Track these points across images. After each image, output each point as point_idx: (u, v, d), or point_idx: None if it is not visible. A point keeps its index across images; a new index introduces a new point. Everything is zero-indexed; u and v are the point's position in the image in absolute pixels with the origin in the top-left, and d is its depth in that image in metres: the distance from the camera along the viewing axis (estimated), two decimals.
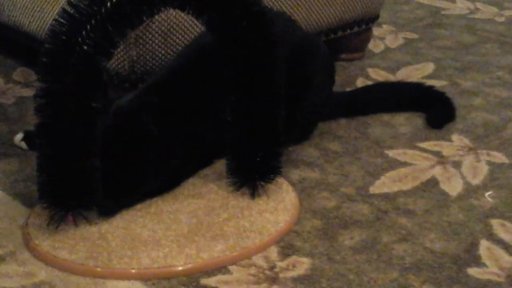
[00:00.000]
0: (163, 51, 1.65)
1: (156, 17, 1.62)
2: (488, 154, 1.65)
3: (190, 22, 1.66)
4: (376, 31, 2.35)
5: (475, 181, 1.55)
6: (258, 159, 1.43)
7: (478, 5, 2.75)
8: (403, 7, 2.72)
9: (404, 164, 1.61)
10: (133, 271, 1.24)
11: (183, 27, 1.66)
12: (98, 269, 1.24)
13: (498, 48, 2.31)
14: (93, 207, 1.34)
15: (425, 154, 1.65)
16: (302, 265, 1.28)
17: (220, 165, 1.53)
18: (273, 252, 1.32)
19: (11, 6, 1.91)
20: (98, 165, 1.31)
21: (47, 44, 1.26)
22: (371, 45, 2.27)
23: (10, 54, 2.18)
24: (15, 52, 2.18)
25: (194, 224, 1.35)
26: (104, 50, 1.27)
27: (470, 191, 1.51)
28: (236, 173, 1.45)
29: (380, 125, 1.79)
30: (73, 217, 1.33)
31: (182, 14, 1.64)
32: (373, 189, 1.52)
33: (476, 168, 1.60)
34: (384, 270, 1.27)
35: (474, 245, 1.34)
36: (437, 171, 1.58)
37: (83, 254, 1.27)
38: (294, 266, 1.28)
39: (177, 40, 1.66)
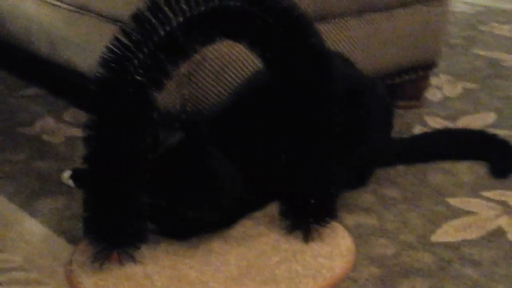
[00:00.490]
0: (215, 90, 1.60)
1: (209, 54, 1.58)
2: None
3: (244, 60, 1.62)
4: (433, 80, 2.27)
5: None
6: (312, 201, 1.36)
7: None
8: (461, 58, 2.65)
9: (468, 213, 1.51)
10: None
11: (236, 65, 1.62)
12: None
13: None
14: (139, 245, 1.28)
15: (490, 204, 1.55)
16: None
17: (272, 208, 1.46)
18: None
19: (64, 44, 1.90)
20: (145, 202, 1.26)
21: (98, 72, 1.22)
22: (428, 94, 2.20)
23: (62, 95, 2.17)
24: (67, 92, 2.17)
25: (244, 267, 1.28)
26: (156, 80, 1.23)
27: None
28: (289, 215, 1.38)
29: (441, 172, 1.70)
30: (118, 255, 1.27)
31: (236, 52, 1.60)
32: (434, 238, 1.42)
33: None
34: None
35: None
36: (503, 221, 1.48)
37: None
38: None
39: (230, 79, 1.61)
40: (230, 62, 1.61)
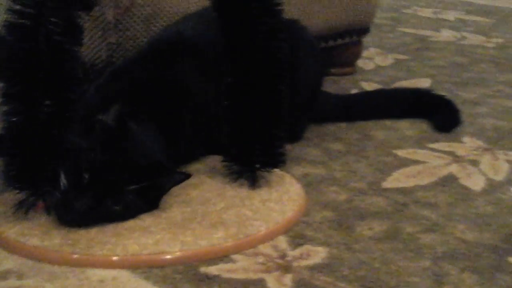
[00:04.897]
0: (145, 38, 1.48)
1: (139, 0, 1.46)
2: (505, 154, 1.50)
3: (175, 7, 1.50)
4: (364, 53, 2.21)
5: (498, 178, 1.39)
6: (259, 145, 1.25)
7: (465, 34, 2.66)
8: (389, 35, 2.62)
9: (417, 162, 1.44)
10: (118, 258, 1.03)
11: (167, 12, 1.50)
12: (75, 256, 1.03)
13: (493, 67, 2.20)
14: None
15: (437, 154, 1.49)
16: (317, 254, 1.09)
17: (212, 160, 1.35)
18: (282, 241, 1.12)
19: None
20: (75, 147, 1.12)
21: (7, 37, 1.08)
22: (360, 63, 2.14)
23: None
24: None
25: (188, 213, 1.16)
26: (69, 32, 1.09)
27: (495, 186, 1.35)
28: (234, 161, 1.27)
29: (383, 129, 1.63)
30: (44, 204, 1.12)
31: None
32: (386, 184, 1.34)
33: (496, 166, 1.44)
34: (414, 259, 1.08)
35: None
36: (454, 169, 1.42)
37: (57, 241, 1.06)
38: (308, 255, 1.09)
39: (160, 26, 1.49)
40: (160, 8, 1.49)
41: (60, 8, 1.10)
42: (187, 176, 1.17)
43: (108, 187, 1.08)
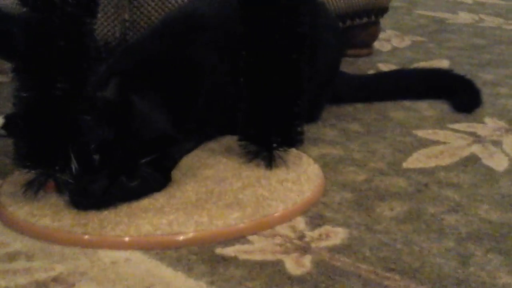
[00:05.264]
0: (160, 15, 1.44)
1: None
2: None
3: None
4: (381, 35, 2.17)
5: None
6: (276, 124, 1.21)
7: (482, 16, 2.61)
8: (405, 17, 2.56)
9: (437, 142, 1.40)
10: (131, 238, 1.00)
11: None
12: (87, 236, 1.00)
13: None
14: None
15: (458, 134, 1.45)
16: (337, 234, 1.05)
17: (227, 140, 1.31)
18: (300, 222, 1.09)
19: None
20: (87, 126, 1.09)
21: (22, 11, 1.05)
22: (377, 45, 2.10)
23: None
24: None
25: (203, 193, 1.12)
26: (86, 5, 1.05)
27: None
28: (250, 141, 1.23)
29: (402, 109, 1.58)
30: (55, 183, 1.09)
31: None
32: (406, 165, 1.30)
33: None
34: (437, 239, 1.04)
35: None
36: (476, 149, 1.38)
37: (68, 221, 1.02)
38: (327, 236, 1.05)
39: (175, 3, 1.45)
40: None
41: None
42: (197, 143, 1.13)
43: (120, 164, 1.04)
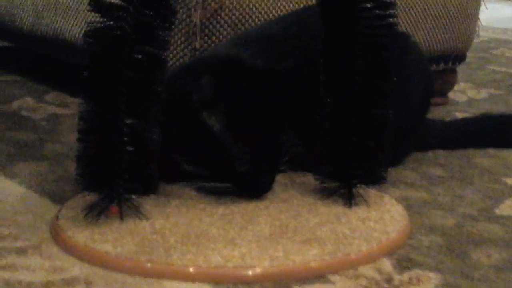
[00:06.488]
0: None
1: (227, 2, 1.35)
2: None
3: (264, 13, 1.39)
4: (455, 87, 2.06)
5: None
6: (358, 160, 1.11)
7: None
8: (479, 72, 2.45)
9: None
10: (199, 269, 0.89)
11: (256, 18, 1.39)
12: (149, 264, 0.90)
13: None
14: (144, 196, 1.02)
15: None
16: (429, 280, 0.93)
17: (299, 176, 1.21)
18: (386, 264, 0.97)
19: (52, 10, 1.66)
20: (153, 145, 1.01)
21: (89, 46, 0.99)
22: (452, 95, 1.99)
23: (43, 81, 1.91)
24: (48, 78, 1.92)
25: (277, 227, 1.02)
26: (155, 38, 0.98)
27: None
28: (328, 177, 1.12)
29: (487, 156, 1.46)
30: (118, 208, 1.00)
31: (256, 1, 1.37)
32: (499, 211, 1.18)
33: None
34: None
35: None
36: None
37: (131, 248, 0.93)
38: (419, 280, 0.93)
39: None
40: (249, 13, 1.38)
41: None
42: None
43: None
